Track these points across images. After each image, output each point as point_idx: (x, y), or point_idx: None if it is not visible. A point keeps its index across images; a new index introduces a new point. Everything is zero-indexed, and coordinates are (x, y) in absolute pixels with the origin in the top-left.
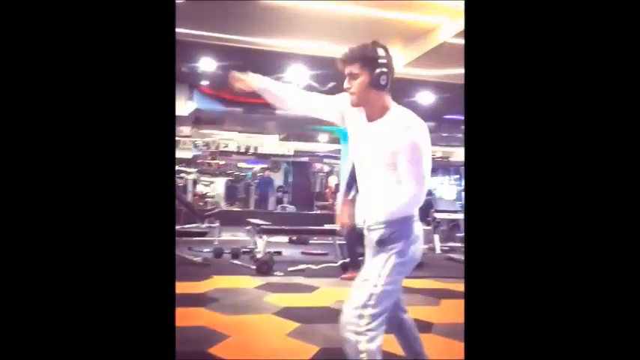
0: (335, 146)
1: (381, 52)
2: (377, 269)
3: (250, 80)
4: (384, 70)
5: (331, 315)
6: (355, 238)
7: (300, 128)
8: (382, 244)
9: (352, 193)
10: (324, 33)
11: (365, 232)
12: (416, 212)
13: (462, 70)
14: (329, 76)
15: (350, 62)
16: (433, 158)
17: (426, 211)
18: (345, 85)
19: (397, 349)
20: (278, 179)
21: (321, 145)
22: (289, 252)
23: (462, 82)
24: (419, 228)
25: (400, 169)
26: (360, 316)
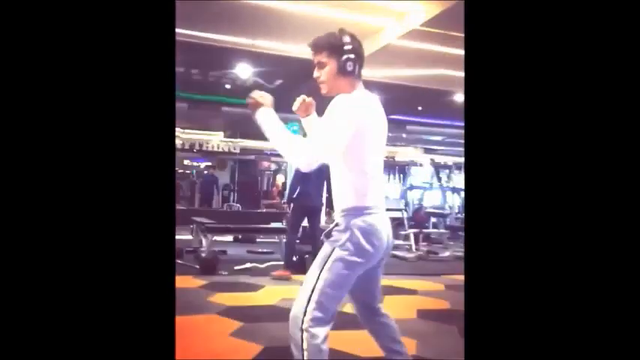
0: None
1: (346, 39)
2: (320, 263)
3: (260, 115)
4: (351, 56)
5: (276, 313)
6: (294, 238)
7: (246, 125)
8: (327, 236)
9: (295, 195)
10: (270, 31)
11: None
12: (374, 204)
13: (406, 71)
14: (275, 74)
15: (317, 51)
16: None
17: None
18: (315, 74)
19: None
20: (224, 177)
21: (269, 143)
22: (235, 251)
23: (407, 83)
24: (376, 221)
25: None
26: (304, 312)
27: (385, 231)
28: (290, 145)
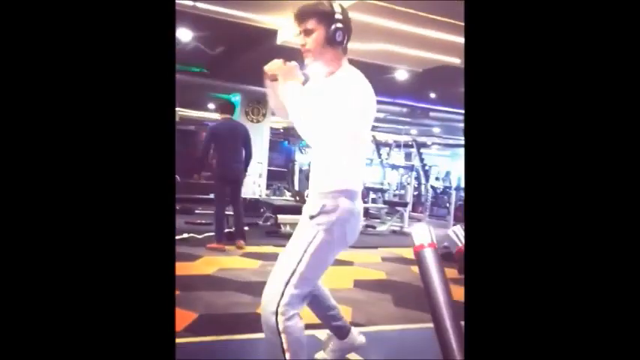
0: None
1: (337, 8)
2: (303, 245)
3: (286, 89)
4: (340, 26)
5: (213, 283)
6: (220, 209)
7: (186, 94)
8: (312, 217)
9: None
10: None
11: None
12: (356, 188)
13: (351, 45)
14: (217, 40)
15: (305, 18)
16: None
17: None
18: (300, 42)
19: None
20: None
21: (210, 113)
22: None
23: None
24: (359, 205)
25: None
26: (281, 294)
27: (361, 213)
28: (309, 125)
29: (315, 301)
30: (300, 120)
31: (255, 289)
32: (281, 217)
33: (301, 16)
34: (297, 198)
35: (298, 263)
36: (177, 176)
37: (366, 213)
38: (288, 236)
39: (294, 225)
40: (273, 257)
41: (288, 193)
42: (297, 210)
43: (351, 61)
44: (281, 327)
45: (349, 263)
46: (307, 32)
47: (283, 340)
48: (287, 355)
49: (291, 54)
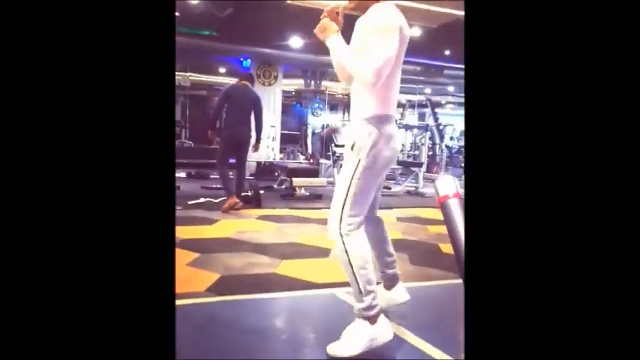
0: (235, 79)
1: None
2: (348, 174)
3: (331, 42)
4: None
5: (231, 245)
6: (224, 170)
7: (197, 58)
8: (352, 148)
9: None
10: None
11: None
12: (393, 114)
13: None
14: (225, 2)
15: None
16: (333, 95)
17: (327, 145)
18: None
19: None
20: (175, 113)
21: (221, 78)
22: (189, 187)
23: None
24: (394, 129)
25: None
26: (340, 220)
27: (399, 137)
28: (360, 63)
29: (378, 240)
30: (350, 63)
31: (272, 250)
32: (295, 180)
33: None
34: (311, 160)
35: (347, 191)
36: (190, 142)
37: None
38: (303, 199)
39: (308, 187)
40: (289, 219)
41: (301, 156)
42: (311, 173)
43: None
44: (347, 247)
45: None
46: None
47: (350, 258)
48: (353, 270)
49: (301, 13)
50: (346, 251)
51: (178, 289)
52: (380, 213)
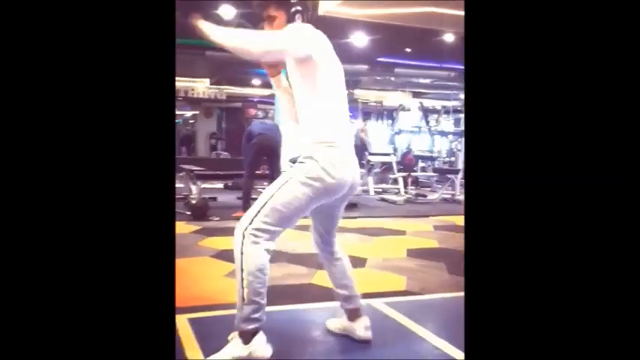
0: (269, 91)
1: None
2: (279, 182)
3: (206, 31)
4: (299, 8)
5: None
6: (249, 179)
7: (232, 71)
8: (293, 161)
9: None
10: None
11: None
12: (337, 140)
13: (393, 10)
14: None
15: (265, 5)
16: (366, 103)
17: (361, 154)
18: (265, 28)
19: None
20: (211, 125)
21: (255, 89)
22: (225, 198)
23: (394, 22)
24: (337, 154)
25: None
26: (251, 221)
27: (348, 167)
28: (237, 36)
29: (334, 277)
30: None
31: (308, 260)
32: None
33: (261, 4)
34: None
35: (271, 197)
36: (227, 153)
37: (417, 182)
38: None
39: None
40: None
41: None
42: None
43: (396, 28)
44: (244, 248)
45: (401, 233)
46: (270, 19)
47: (243, 260)
48: (243, 274)
49: (335, 24)
50: (242, 252)
51: (216, 300)
52: (416, 222)
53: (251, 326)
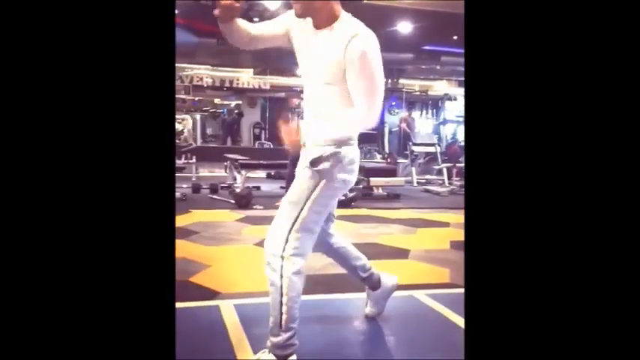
0: None
1: None
2: (306, 192)
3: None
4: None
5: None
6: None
7: (275, 61)
8: (315, 164)
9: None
10: None
11: (302, 150)
12: (354, 135)
13: None
14: None
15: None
16: (411, 92)
17: (404, 144)
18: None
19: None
20: (255, 115)
21: (299, 79)
22: (268, 187)
23: (440, 9)
24: (354, 152)
25: (350, 84)
26: (286, 240)
27: (358, 161)
28: (360, 120)
29: (340, 254)
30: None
31: None
32: (373, 180)
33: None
34: (389, 160)
35: (301, 210)
36: (269, 143)
37: (460, 172)
38: (381, 199)
39: (386, 187)
40: (367, 220)
41: (378, 156)
42: (388, 172)
43: (443, 14)
44: (285, 272)
45: (445, 225)
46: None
47: (284, 284)
48: (283, 300)
49: (379, 12)
50: (282, 276)
51: (259, 288)
52: (459, 214)
53: (288, 351)
